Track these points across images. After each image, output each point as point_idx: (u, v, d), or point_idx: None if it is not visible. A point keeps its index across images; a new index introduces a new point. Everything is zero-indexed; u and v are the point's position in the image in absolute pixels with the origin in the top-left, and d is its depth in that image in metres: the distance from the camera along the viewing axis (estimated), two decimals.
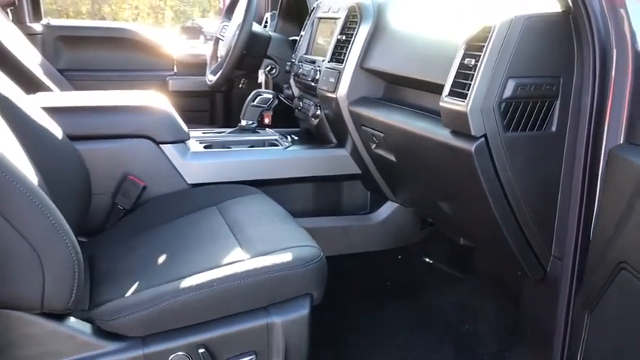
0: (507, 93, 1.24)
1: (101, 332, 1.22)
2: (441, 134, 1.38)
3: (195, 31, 3.39)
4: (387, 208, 2.04)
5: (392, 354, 1.71)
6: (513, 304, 1.81)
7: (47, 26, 2.84)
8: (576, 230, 1.26)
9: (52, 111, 1.66)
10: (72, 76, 2.71)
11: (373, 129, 1.72)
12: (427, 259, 2.05)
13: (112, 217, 1.77)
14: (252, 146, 2.03)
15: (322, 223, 1.97)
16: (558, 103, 1.28)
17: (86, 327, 1.21)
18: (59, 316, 1.19)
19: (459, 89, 1.28)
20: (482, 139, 1.26)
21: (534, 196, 1.33)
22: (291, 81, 2.30)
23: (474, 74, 1.24)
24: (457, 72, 1.30)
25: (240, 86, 2.82)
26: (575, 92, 1.25)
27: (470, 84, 1.25)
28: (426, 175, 1.61)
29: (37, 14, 2.85)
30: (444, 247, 2.08)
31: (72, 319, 1.21)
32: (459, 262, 2.06)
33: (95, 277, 1.43)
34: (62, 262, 1.14)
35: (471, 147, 1.27)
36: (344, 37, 1.88)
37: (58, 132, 1.63)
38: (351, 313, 1.92)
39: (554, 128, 1.29)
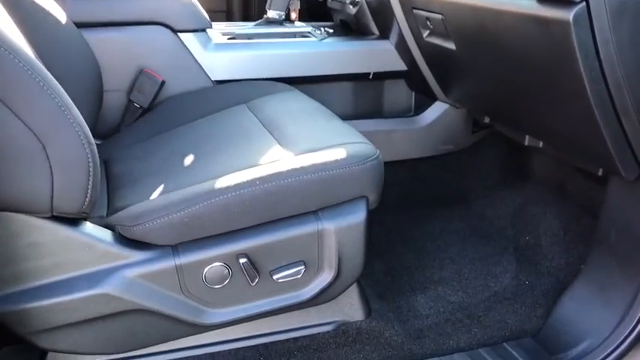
0: None
1: (124, 240, 1.04)
2: (525, 5, 1.13)
3: None
4: (436, 110, 1.81)
5: (446, 267, 1.53)
6: (581, 213, 1.62)
7: None
8: None
9: None
10: None
11: (428, 11, 1.47)
12: None
13: (127, 117, 1.56)
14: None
15: (362, 127, 1.74)
16: None
17: (105, 234, 1.03)
18: (73, 221, 1.00)
19: None
20: (583, 3, 1.02)
21: (639, 80, 1.10)
22: None
23: None
24: None
25: None
26: None
27: None
28: (496, 62, 1.36)
29: None
30: (498, 151, 1.87)
31: (88, 224, 1.02)
32: (515, 168, 1.84)
33: (113, 182, 1.24)
34: (73, 154, 0.93)
35: (569, 15, 1.02)
36: None
37: (61, 17, 1.40)
38: (398, 223, 1.73)
39: None
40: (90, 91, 1.46)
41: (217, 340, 1.19)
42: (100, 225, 1.04)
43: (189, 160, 1.23)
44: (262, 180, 1.05)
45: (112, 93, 1.54)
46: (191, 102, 1.55)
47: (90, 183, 0.96)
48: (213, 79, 1.61)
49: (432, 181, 1.88)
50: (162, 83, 1.55)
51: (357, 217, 1.12)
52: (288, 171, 1.06)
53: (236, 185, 1.04)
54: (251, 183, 1.04)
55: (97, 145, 1.52)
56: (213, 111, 1.48)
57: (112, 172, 1.30)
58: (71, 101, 0.93)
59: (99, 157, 1.40)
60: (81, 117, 0.94)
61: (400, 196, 1.83)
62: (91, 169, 0.95)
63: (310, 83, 1.71)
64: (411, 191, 1.86)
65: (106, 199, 1.17)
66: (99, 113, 1.50)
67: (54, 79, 0.92)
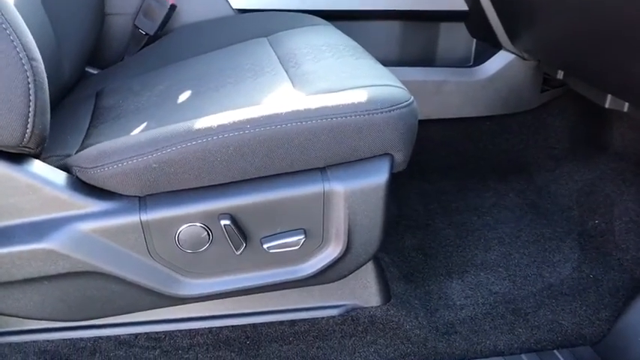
0: None
1: (80, 186, 0.84)
2: None
3: None
4: (499, 61, 1.51)
5: (493, 248, 1.28)
6: None
7: None
8: None
9: None
10: None
11: None
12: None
13: (132, 45, 1.36)
14: None
15: (409, 75, 1.49)
16: None
17: (57, 175, 0.83)
18: (14, 157, 0.80)
19: None
20: None
21: None
22: None
23: None
24: None
25: None
26: None
27: None
28: None
29: None
30: (570, 115, 1.56)
31: (36, 163, 0.82)
32: (589, 136, 1.54)
33: (97, 117, 1.04)
34: (5, 70, 0.72)
35: None
36: None
37: None
38: (441, 192, 1.47)
39: None
40: (89, 13, 1.26)
41: (197, 315, 0.99)
42: (56, 165, 0.85)
43: (184, 97, 1.01)
44: (254, 123, 0.82)
45: (115, 17, 1.34)
46: (205, 32, 1.32)
47: (31, 110, 0.75)
48: (234, 7, 1.39)
49: (488, 145, 1.60)
50: (173, 7, 1.33)
51: (375, 179, 0.88)
52: (287, 113, 0.83)
53: (219, 127, 0.81)
54: (238, 126, 0.81)
55: (93, 74, 1.35)
56: (228, 44, 1.25)
57: (100, 105, 1.10)
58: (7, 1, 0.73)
59: (92, 88, 1.22)
60: (20, 20, 0.73)
61: (447, 160, 1.57)
62: (31, 91, 0.75)
63: (350, 19, 1.46)
64: (460, 156, 1.59)
65: (83, 135, 0.98)
66: (98, 39, 1.30)
67: None
